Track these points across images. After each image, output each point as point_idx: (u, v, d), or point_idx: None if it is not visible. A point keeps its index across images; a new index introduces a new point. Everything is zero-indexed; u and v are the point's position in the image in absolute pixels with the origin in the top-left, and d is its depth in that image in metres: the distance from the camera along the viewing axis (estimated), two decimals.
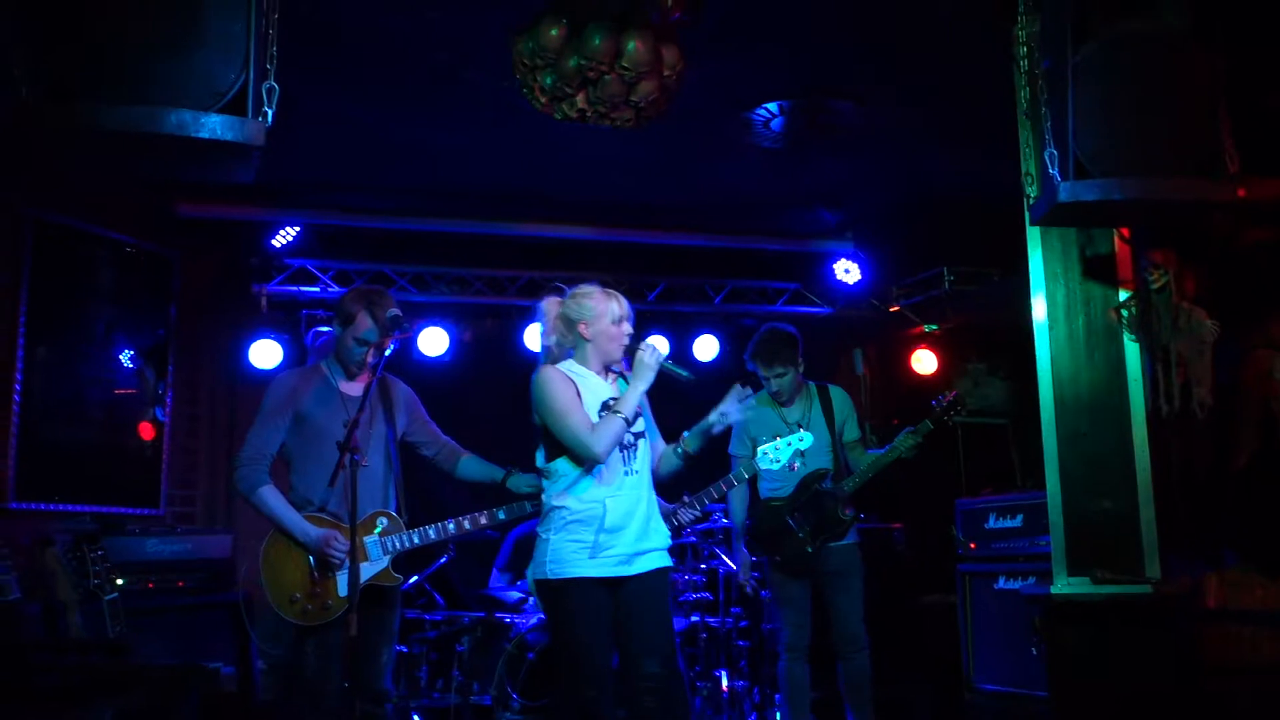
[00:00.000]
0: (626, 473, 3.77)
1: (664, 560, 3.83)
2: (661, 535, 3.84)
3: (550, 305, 3.94)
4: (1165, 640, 3.69)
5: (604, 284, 4.10)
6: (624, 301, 3.88)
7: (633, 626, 3.72)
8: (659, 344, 3.85)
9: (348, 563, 3.69)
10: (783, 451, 4.24)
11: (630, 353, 3.82)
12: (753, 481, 5.16)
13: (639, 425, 3.84)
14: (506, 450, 6.16)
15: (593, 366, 3.85)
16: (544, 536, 3.78)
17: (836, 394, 5.28)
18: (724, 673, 5.78)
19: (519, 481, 4.24)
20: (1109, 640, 3.79)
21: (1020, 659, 5.20)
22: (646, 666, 3.67)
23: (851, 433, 5.22)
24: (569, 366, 3.85)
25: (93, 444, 5.76)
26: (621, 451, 3.77)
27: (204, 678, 3.53)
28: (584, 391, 3.78)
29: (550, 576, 3.70)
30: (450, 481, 4.37)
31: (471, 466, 4.33)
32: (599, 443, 3.67)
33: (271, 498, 3.90)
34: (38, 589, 3.95)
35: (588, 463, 3.70)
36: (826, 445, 5.11)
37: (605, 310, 3.83)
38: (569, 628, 3.73)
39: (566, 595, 3.69)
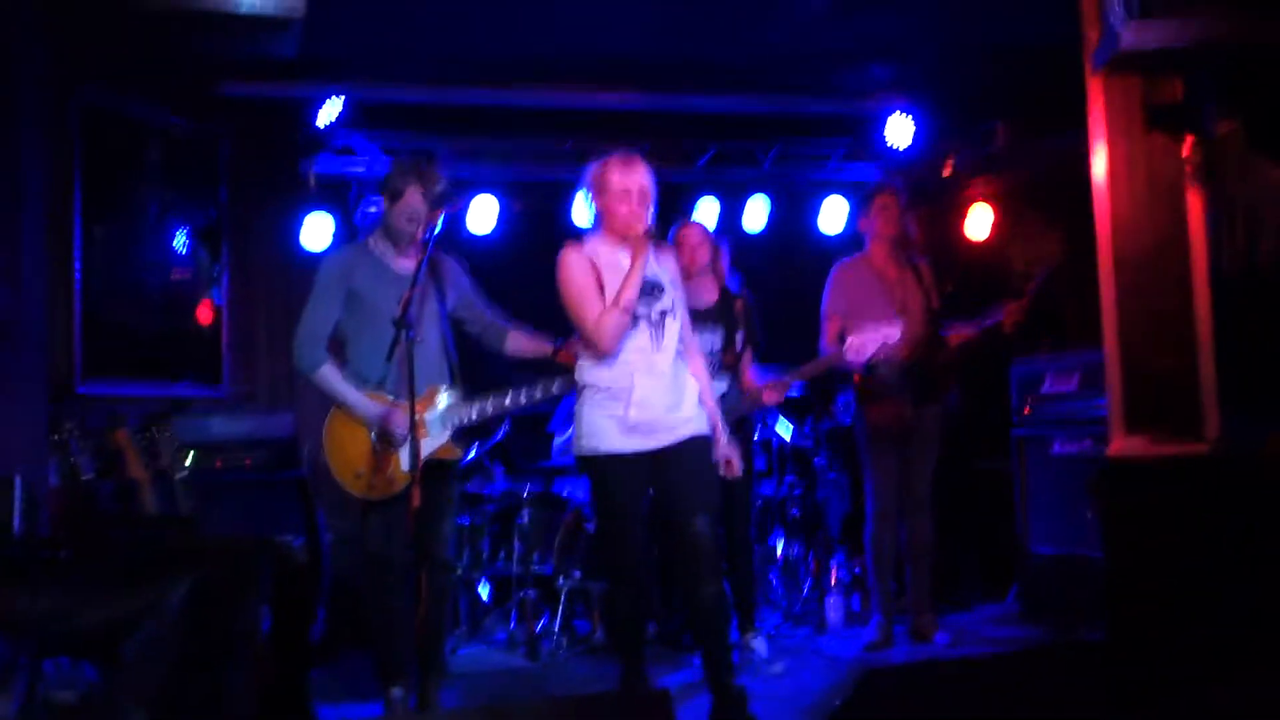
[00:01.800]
0: (654, 349, 3.76)
1: (699, 428, 3.82)
2: (693, 406, 3.83)
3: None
4: (1223, 500, 3.66)
5: (648, 152, 4.02)
6: (637, 174, 3.76)
7: (674, 492, 3.77)
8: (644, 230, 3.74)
9: (410, 437, 3.73)
10: (870, 344, 4.27)
11: (640, 230, 3.71)
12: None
13: (666, 302, 3.81)
14: (556, 326, 6.21)
15: (613, 241, 3.80)
16: (578, 411, 3.83)
17: (923, 264, 5.24)
18: (778, 539, 5.86)
19: (570, 352, 4.17)
20: (1165, 500, 3.77)
21: (1075, 522, 5.22)
22: (695, 525, 3.71)
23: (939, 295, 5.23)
24: (593, 244, 3.82)
25: (154, 326, 5.84)
26: (649, 328, 3.75)
27: (276, 550, 3.64)
28: (605, 269, 3.76)
29: (585, 452, 3.78)
30: (501, 357, 4.38)
31: (519, 341, 4.33)
32: (600, 339, 3.69)
33: (332, 376, 3.95)
34: (111, 468, 4.07)
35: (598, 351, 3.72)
36: (924, 310, 5.08)
37: (606, 181, 3.76)
38: (603, 499, 3.84)
39: (600, 468, 3.76)
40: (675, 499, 3.77)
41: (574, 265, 3.78)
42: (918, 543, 5.09)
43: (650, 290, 3.79)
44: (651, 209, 3.80)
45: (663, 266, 3.89)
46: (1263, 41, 3.43)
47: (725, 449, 3.87)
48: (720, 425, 3.91)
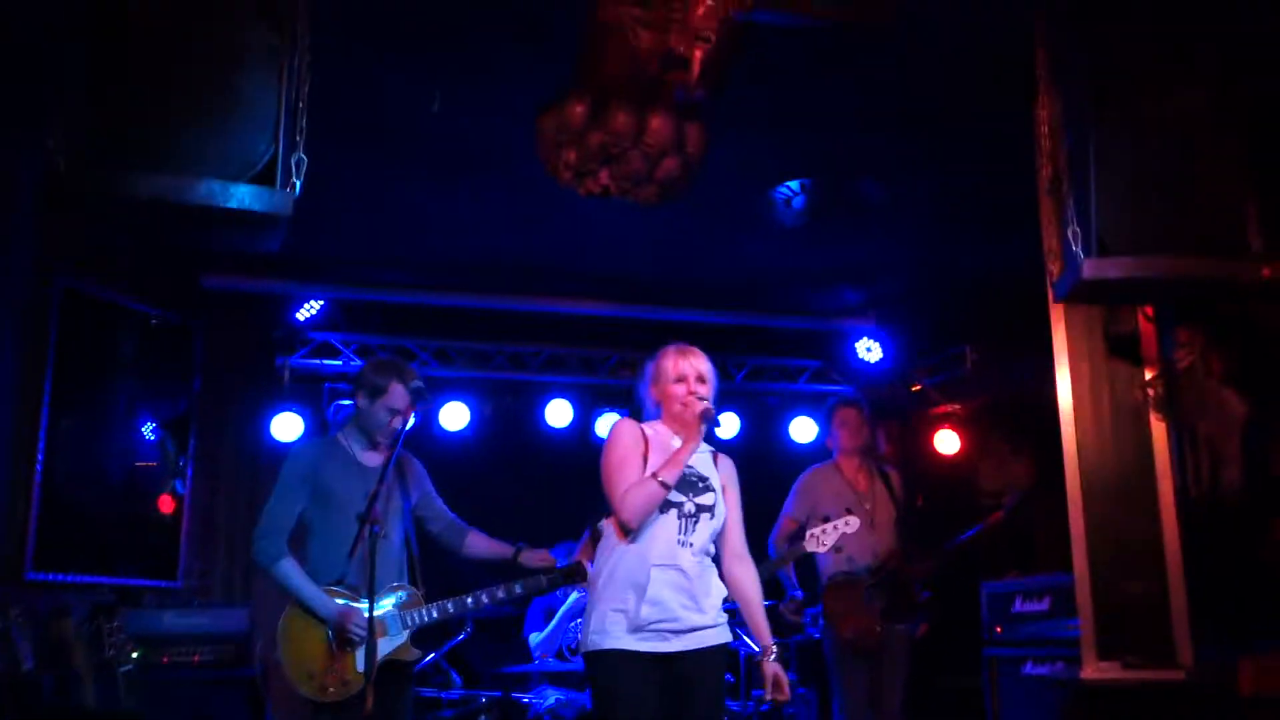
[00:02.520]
0: (681, 543, 3.52)
1: (719, 638, 3.56)
2: (715, 612, 3.56)
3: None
4: None
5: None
6: (694, 359, 3.68)
7: (683, 706, 3.47)
8: (697, 404, 3.60)
9: (367, 637, 3.62)
10: (828, 536, 4.23)
11: (699, 409, 3.57)
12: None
13: (707, 498, 3.60)
14: (525, 528, 6.12)
15: (672, 427, 3.67)
16: (589, 605, 3.58)
17: (892, 474, 5.29)
18: None
19: (531, 557, 4.20)
20: None
21: None
22: None
23: (908, 508, 5.25)
24: (651, 425, 3.71)
25: (112, 516, 5.73)
26: (679, 520, 3.52)
27: None
28: (654, 450, 3.59)
29: (590, 648, 3.51)
30: (459, 557, 4.32)
31: (478, 543, 4.30)
32: (626, 507, 3.48)
33: (292, 570, 3.87)
34: (53, 659, 3.92)
35: (622, 526, 3.50)
36: (893, 522, 5.10)
37: (661, 369, 3.69)
38: (606, 702, 3.50)
39: (606, 667, 3.47)
40: (680, 712, 3.47)
41: (625, 433, 3.63)
42: None
43: (694, 482, 3.59)
44: (711, 395, 3.66)
45: (720, 468, 3.72)
46: (1220, 279, 3.57)
47: (773, 666, 3.60)
48: (769, 642, 3.66)
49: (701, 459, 3.67)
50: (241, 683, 5.24)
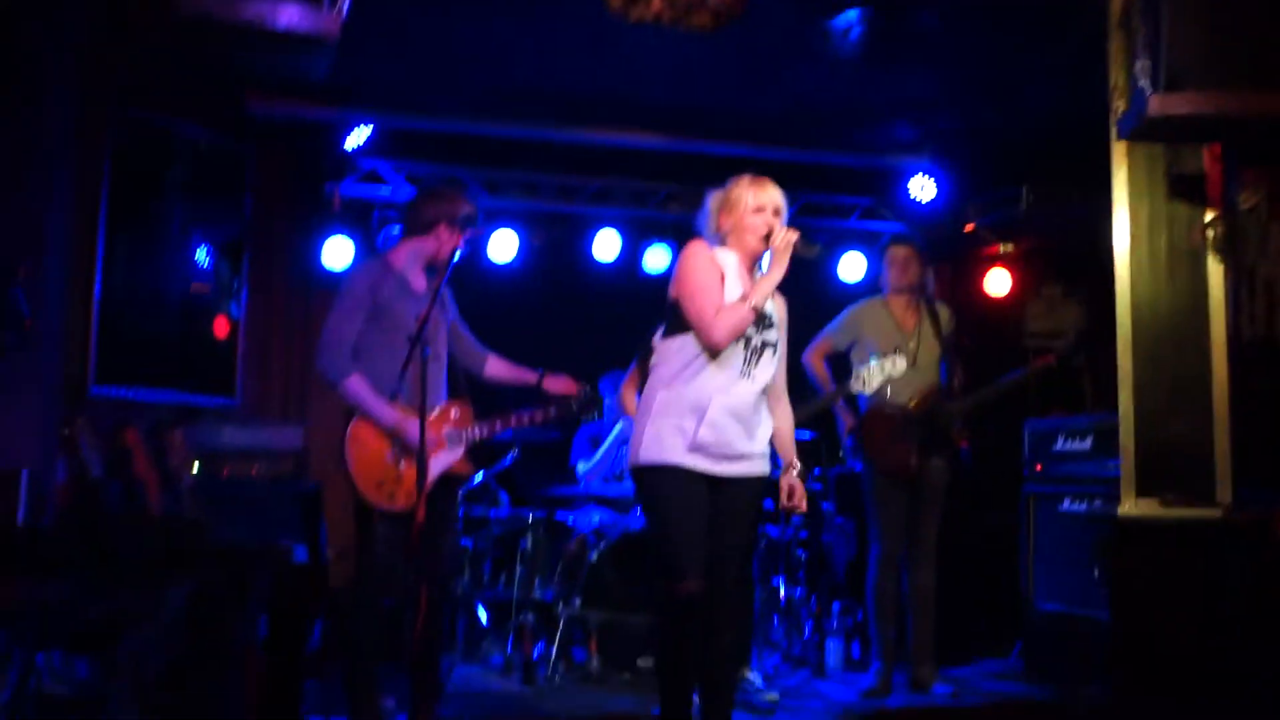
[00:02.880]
0: (743, 374, 3.56)
1: (763, 468, 3.65)
2: (763, 444, 3.64)
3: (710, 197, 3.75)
4: (1232, 567, 3.65)
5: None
6: (772, 190, 3.63)
7: (717, 532, 3.55)
8: (789, 232, 3.56)
9: (420, 452, 3.75)
10: (874, 376, 4.24)
11: (789, 236, 3.54)
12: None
13: (771, 335, 3.62)
14: (571, 359, 6.22)
15: (741, 258, 3.65)
16: (643, 419, 3.61)
17: (942, 310, 5.27)
18: (781, 580, 5.83)
19: (554, 383, 4.32)
20: (1174, 564, 3.75)
21: (1081, 581, 5.20)
22: (727, 569, 3.57)
23: (956, 347, 5.26)
24: (721, 252, 3.67)
25: (171, 335, 5.87)
26: (745, 352, 3.55)
27: (278, 557, 3.63)
28: (729, 278, 3.60)
29: (644, 462, 3.55)
30: (484, 381, 4.44)
31: (499, 367, 4.40)
32: (719, 328, 3.48)
33: (361, 386, 3.96)
34: (119, 467, 4.07)
35: (706, 349, 3.51)
36: (937, 360, 5.12)
37: (737, 198, 3.63)
38: (664, 515, 3.54)
39: (662, 481, 3.52)
40: (716, 536, 3.55)
41: (701, 256, 3.60)
42: (922, 593, 5.08)
43: (762, 317, 3.60)
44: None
45: (778, 309, 3.74)
46: None
47: (791, 478, 3.73)
48: (793, 459, 3.78)
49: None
50: (297, 497, 5.43)
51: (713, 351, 3.52)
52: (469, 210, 4.10)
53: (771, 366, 3.64)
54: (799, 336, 5.78)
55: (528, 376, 4.37)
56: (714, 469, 3.53)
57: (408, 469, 3.93)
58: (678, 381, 3.56)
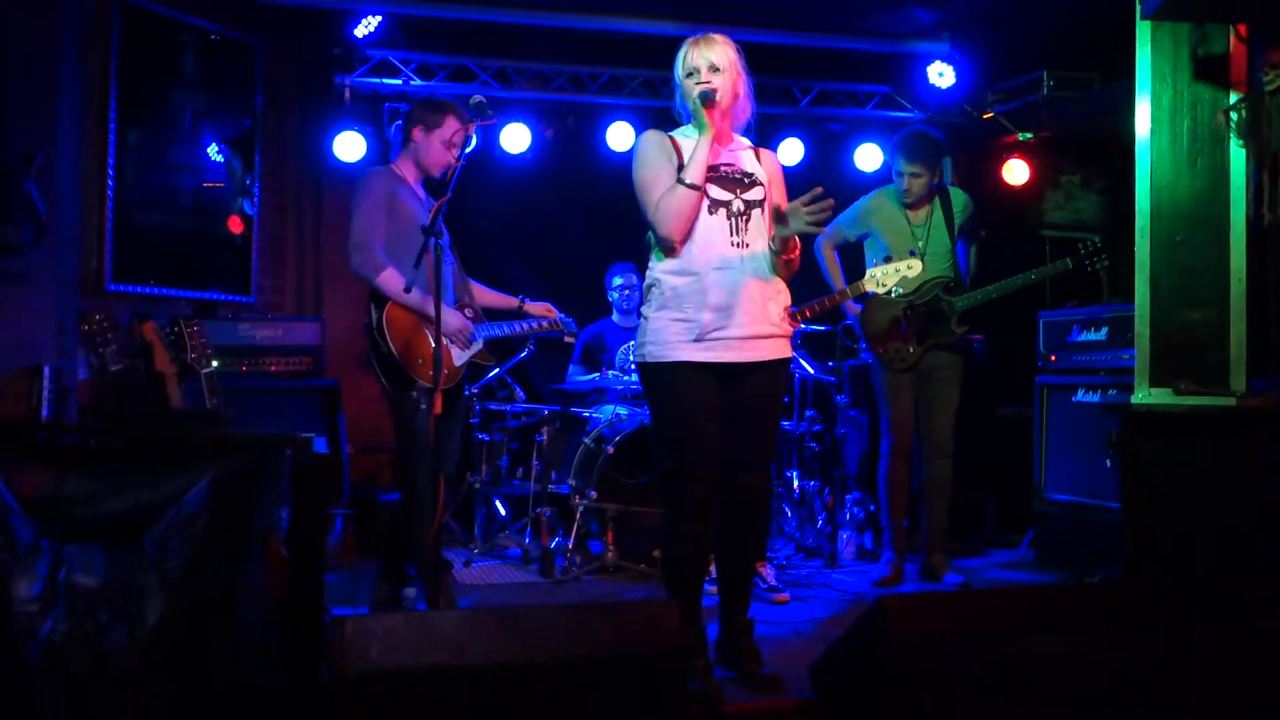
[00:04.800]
0: (735, 243, 3.35)
1: (783, 349, 3.44)
2: (777, 319, 3.42)
3: None
4: (1244, 455, 3.65)
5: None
6: (704, 48, 3.39)
7: (738, 423, 3.40)
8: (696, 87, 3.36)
9: (446, 340, 4.03)
10: (889, 278, 4.22)
11: (695, 95, 3.35)
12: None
13: (755, 193, 3.41)
14: (584, 251, 6.21)
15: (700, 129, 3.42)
16: (644, 314, 3.44)
17: (957, 196, 5.20)
18: (795, 473, 5.89)
19: (534, 308, 4.61)
20: (1186, 452, 3.76)
21: (1093, 471, 5.24)
22: (749, 464, 3.45)
23: (973, 233, 5.21)
24: (682, 130, 3.51)
25: (185, 231, 5.87)
26: (729, 220, 3.35)
27: (298, 448, 3.66)
28: (687, 157, 3.38)
29: (649, 359, 3.38)
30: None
31: (481, 292, 4.58)
32: (660, 217, 3.31)
33: (396, 278, 4.07)
34: (138, 361, 4.11)
35: (665, 237, 3.33)
36: (946, 251, 5.08)
37: (678, 67, 3.45)
38: (667, 412, 3.37)
39: (666, 379, 3.34)
40: (735, 429, 3.40)
41: (648, 145, 3.43)
42: (935, 482, 5.12)
43: (739, 179, 3.41)
44: (731, 80, 3.40)
45: (763, 164, 3.54)
46: None
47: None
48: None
49: (744, 154, 3.52)
50: (315, 391, 5.48)
51: (668, 242, 3.34)
52: (478, 98, 4.05)
53: (764, 228, 3.43)
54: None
55: (509, 301, 4.63)
56: (726, 357, 3.33)
57: (445, 350, 4.10)
58: (669, 271, 3.39)
